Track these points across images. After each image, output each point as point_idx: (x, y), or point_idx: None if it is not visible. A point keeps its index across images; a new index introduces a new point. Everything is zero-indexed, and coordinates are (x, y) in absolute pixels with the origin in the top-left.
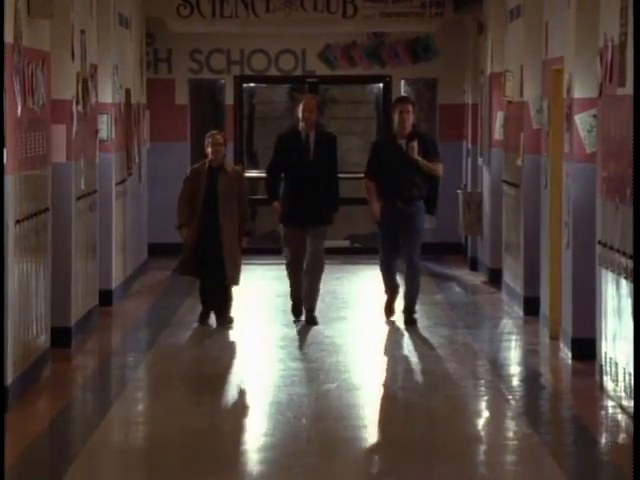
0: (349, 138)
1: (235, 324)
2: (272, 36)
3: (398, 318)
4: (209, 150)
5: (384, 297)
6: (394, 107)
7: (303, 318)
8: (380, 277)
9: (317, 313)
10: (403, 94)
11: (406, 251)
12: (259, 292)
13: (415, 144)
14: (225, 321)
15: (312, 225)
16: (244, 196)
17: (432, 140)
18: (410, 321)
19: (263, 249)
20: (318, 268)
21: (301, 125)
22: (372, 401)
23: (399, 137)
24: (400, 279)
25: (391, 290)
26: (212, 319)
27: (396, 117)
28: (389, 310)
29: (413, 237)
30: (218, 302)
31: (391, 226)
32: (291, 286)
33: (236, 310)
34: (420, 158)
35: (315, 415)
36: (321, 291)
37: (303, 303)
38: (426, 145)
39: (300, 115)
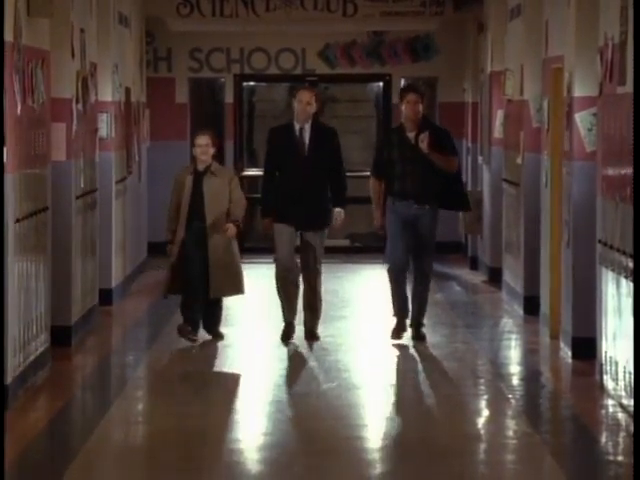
0: (349, 137)
1: (235, 323)
2: (272, 35)
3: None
4: (196, 151)
5: (384, 298)
6: (401, 97)
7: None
8: (385, 280)
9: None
10: (410, 82)
11: (417, 259)
12: (259, 291)
13: (426, 136)
14: (215, 337)
15: (307, 228)
16: (237, 200)
17: (446, 132)
18: (419, 336)
19: (263, 248)
20: (315, 279)
21: (295, 116)
22: (372, 400)
23: (408, 129)
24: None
25: (401, 316)
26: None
27: (404, 107)
28: (397, 333)
29: (425, 243)
30: (205, 316)
31: (401, 229)
32: (282, 304)
33: (236, 310)
34: (431, 152)
35: (315, 414)
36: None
37: (304, 319)
38: (439, 137)
39: (295, 106)
